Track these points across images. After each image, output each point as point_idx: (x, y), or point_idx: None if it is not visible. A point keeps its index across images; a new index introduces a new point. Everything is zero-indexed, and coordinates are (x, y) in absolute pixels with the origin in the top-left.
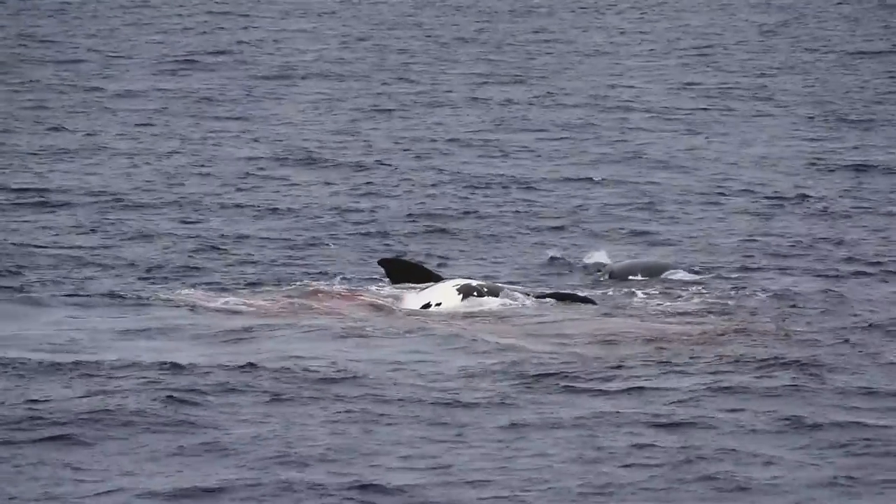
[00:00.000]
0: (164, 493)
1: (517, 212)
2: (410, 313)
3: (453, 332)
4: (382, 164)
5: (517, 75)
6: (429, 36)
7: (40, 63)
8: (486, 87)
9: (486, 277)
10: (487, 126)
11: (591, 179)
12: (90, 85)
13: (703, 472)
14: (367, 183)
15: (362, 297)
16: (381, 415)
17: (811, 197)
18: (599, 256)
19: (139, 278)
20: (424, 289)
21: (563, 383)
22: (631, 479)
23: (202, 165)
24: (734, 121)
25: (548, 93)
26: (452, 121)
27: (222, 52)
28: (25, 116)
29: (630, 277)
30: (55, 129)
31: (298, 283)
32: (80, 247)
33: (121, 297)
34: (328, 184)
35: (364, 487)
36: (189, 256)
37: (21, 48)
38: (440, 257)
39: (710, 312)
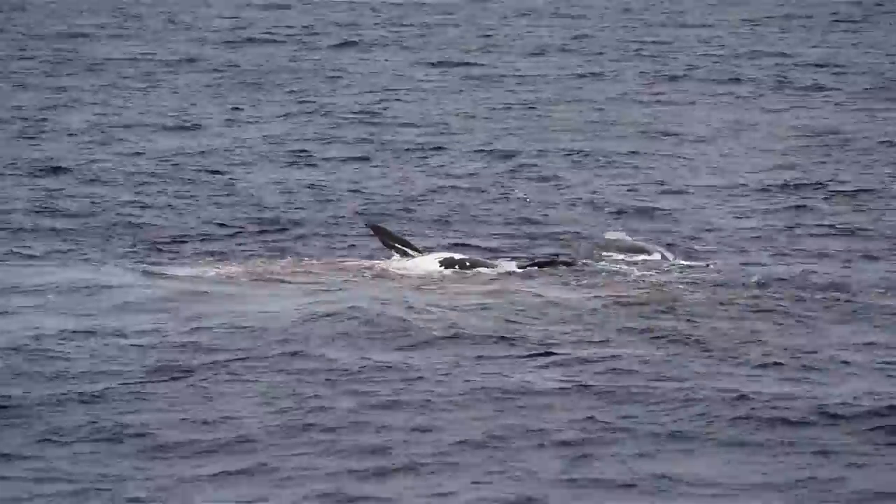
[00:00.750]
0: (70, 482)
1: (529, 188)
2: (383, 277)
3: (415, 299)
4: (409, 141)
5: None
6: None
7: (116, 37)
8: (546, 62)
9: (481, 254)
10: (535, 99)
11: (618, 153)
12: (144, 55)
13: (609, 444)
14: (381, 161)
15: (341, 265)
16: (312, 385)
17: (835, 179)
18: (614, 234)
19: (120, 249)
20: (407, 260)
21: (498, 353)
22: (538, 452)
23: (219, 137)
24: (789, 92)
25: (605, 66)
26: (497, 101)
27: (291, 28)
28: (73, 89)
29: (605, 254)
30: (93, 103)
31: (281, 253)
32: (62, 214)
33: (90, 264)
34: (344, 160)
35: (288, 473)
36: (172, 228)
37: (102, 21)
38: (436, 227)
39: (660, 288)
